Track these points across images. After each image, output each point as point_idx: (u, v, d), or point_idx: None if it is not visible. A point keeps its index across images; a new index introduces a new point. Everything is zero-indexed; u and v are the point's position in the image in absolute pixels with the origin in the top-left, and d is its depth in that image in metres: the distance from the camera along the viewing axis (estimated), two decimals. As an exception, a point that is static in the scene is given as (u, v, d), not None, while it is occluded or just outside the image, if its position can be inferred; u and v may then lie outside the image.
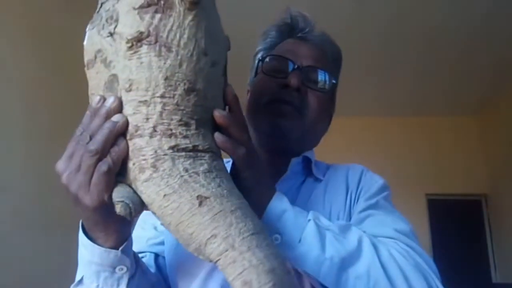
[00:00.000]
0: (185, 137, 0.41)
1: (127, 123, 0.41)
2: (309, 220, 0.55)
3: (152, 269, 0.64)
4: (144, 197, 0.41)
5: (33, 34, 1.82)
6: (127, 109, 0.41)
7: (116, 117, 0.41)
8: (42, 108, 1.85)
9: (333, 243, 0.54)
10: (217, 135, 0.45)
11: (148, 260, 0.65)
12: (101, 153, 0.41)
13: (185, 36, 0.41)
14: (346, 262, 0.52)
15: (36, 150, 1.78)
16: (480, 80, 3.68)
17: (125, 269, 0.50)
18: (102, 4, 0.44)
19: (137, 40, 0.40)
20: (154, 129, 0.40)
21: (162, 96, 0.40)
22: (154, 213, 0.42)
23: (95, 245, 0.48)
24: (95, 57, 0.43)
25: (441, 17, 2.88)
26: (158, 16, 0.40)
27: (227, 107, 0.49)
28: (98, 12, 0.44)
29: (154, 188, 0.40)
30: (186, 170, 0.41)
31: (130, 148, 0.41)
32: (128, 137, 0.41)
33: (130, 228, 0.51)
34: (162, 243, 0.67)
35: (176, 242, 0.63)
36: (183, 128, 0.41)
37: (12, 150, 1.63)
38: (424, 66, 3.50)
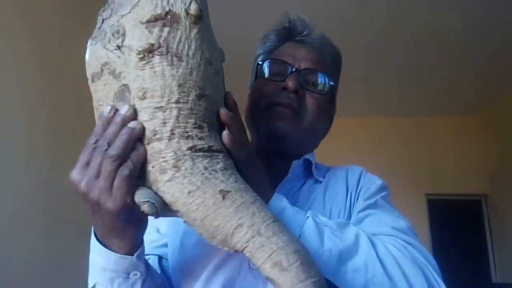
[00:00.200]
0: (200, 138, 0.45)
1: (143, 129, 0.44)
2: (308, 217, 0.57)
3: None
4: (167, 197, 0.44)
5: (34, 34, 1.82)
6: (143, 116, 0.44)
7: (132, 124, 0.43)
8: (42, 108, 1.85)
9: (331, 238, 0.55)
10: (224, 134, 0.48)
11: (152, 262, 0.66)
12: (122, 158, 0.43)
13: (193, 47, 0.45)
14: (344, 255, 0.54)
15: (36, 150, 1.78)
16: (480, 80, 3.69)
17: (139, 274, 0.52)
18: (103, 20, 0.47)
19: (149, 51, 0.43)
20: (172, 132, 0.43)
21: (177, 102, 0.44)
22: (177, 211, 0.44)
23: (110, 252, 0.49)
24: (102, 69, 0.45)
25: (440, 17, 2.88)
26: (166, 29, 0.44)
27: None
28: (99, 28, 0.47)
29: (177, 187, 0.43)
30: (206, 168, 0.44)
31: (149, 152, 0.44)
32: (145, 142, 0.44)
33: (143, 234, 0.52)
34: (165, 245, 0.67)
35: (179, 244, 0.64)
36: (198, 130, 0.45)
37: (12, 150, 1.63)
38: (425, 66, 3.51)
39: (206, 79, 0.46)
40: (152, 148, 0.44)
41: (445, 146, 4.27)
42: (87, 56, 0.47)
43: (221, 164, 0.45)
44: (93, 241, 0.51)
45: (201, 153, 0.44)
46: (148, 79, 0.43)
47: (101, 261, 0.50)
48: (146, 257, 0.65)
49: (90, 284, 0.53)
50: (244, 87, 0.82)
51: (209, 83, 0.46)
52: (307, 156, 0.74)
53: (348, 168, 0.75)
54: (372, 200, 0.67)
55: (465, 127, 4.37)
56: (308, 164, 0.75)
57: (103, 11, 0.47)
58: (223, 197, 0.43)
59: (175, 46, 0.44)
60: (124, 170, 0.42)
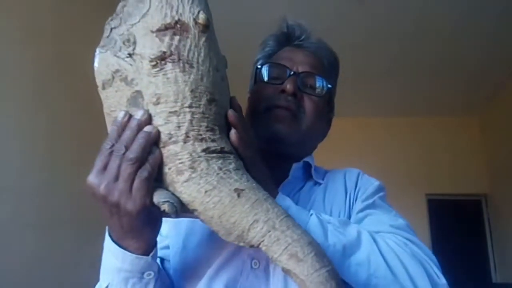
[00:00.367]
0: (213, 140, 0.47)
1: (159, 133, 0.46)
2: (311, 214, 0.59)
3: None
4: (184, 197, 0.46)
5: (34, 34, 1.82)
6: (157, 120, 0.46)
7: (148, 128, 0.45)
8: (42, 108, 1.85)
9: (335, 233, 0.57)
10: (232, 133, 0.50)
11: None
12: (140, 161, 0.45)
13: (202, 54, 0.47)
14: (348, 250, 0.56)
15: (36, 150, 1.78)
16: (480, 80, 3.69)
17: (152, 274, 0.53)
18: (112, 29, 0.48)
19: (161, 59, 0.45)
20: (187, 135, 0.46)
21: (190, 106, 0.46)
22: (194, 210, 0.46)
23: (127, 252, 0.51)
24: (113, 77, 0.47)
25: (438, 15, 2.89)
26: (177, 37, 0.46)
27: None
28: (108, 36, 0.48)
29: (194, 187, 0.45)
30: (220, 169, 0.46)
31: (164, 155, 0.46)
32: (161, 145, 0.46)
33: (157, 235, 0.54)
34: (167, 247, 0.68)
35: (181, 246, 0.65)
36: (210, 133, 0.47)
37: (11, 150, 1.63)
38: (425, 66, 3.51)
39: (215, 85, 0.48)
40: (168, 151, 0.46)
41: (445, 146, 4.26)
42: (96, 64, 0.49)
43: (233, 165, 0.48)
44: (109, 242, 0.52)
45: (214, 155, 0.47)
46: (162, 85, 0.45)
47: (117, 262, 0.51)
48: None
49: (103, 285, 0.53)
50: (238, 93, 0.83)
51: (217, 88, 0.49)
52: (306, 159, 0.76)
53: (345, 170, 0.77)
54: (370, 201, 0.69)
55: (465, 127, 4.37)
56: (307, 166, 0.76)
57: (111, 20, 0.49)
58: (238, 195, 0.45)
59: (185, 54, 0.46)
60: (143, 172, 0.44)
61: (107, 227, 0.53)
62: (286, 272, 0.45)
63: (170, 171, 0.46)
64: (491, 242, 4.11)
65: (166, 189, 0.47)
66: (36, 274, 1.69)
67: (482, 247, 4.10)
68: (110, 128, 0.48)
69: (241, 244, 0.46)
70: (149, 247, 0.52)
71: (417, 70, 3.57)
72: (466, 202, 4.26)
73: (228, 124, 0.51)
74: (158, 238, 0.69)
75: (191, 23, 0.46)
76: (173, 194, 0.46)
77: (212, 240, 0.64)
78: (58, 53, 2.00)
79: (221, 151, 0.48)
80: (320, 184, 0.75)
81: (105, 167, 0.46)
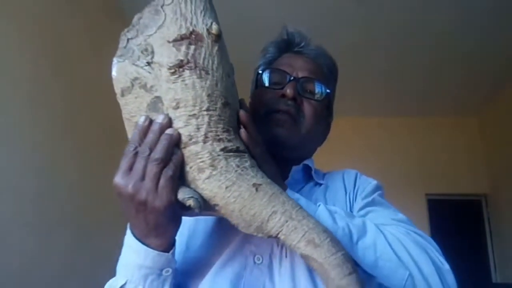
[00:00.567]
0: (229, 140, 0.51)
1: (179, 135, 0.50)
2: (319, 205, 0.62)
3: None
4: (206, 193, 0.50)
5: (34, 35, 1.82)
6: (177, 123, 0.50)
7: (169, 131, 0.49)
8: (42, 108, 1.85)
9: (342, 221, 0.61)
10: (242, 132, 0.54)
11: None
12: (165, 161, 0.48)
13: (215, 62, 0.51)
14: (355, 236, 0.59)
15: (36, 150, 1.78)
16: (480, 80, 3.69)
17: (170, 270, 0.56)
18: (129, 40, 0.52)
19: (179, 66, 0.50)
20: (206, 136, 0.50)
21: (207, 110, 0.50)
22: (216, 205, 0.50)
23: (149, 249, 0.53)
24: (132, 84, 0.51)
25: (439, 17, 2.88)
26: (192, 47, 0.50)
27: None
28: (125, 47, 0.52)
29: (216, 183, 0.49)
30: (238, 166, 0.50)
31: (186, 155, 0.50)
32: (182, 146, 0.50)
33: (176, 233, 0.56)
34: None
35: (185, 247, 0.67)
36: (226, 134, 0.51)
37: (12, 150, 1.63)
38: (425, 67, 3.51)
39: (228, 89, 0.53)
40: (189, 151, 0.50)
41: (446, 146, 4.26)
42: (114, 73, 0.53)
43: (249, 162, 0.52)
44: (131, 239, 0.54)
45: (232, 153, 0.51)
46: (180, 90, 0.49)
47: (138, 259, 0.54)
48: None
49: (120, 282, 0.55)
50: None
51: (230, 93, 0.53)
52: (306, 162, 0.78)
53: (343, 171, 0.80)
54: (370, 199, 0.72)
55: (465, 127, 4.37)
56: (307, 169, 0.79)
57: (127, 31, 0.53)
58: (256, 190, 0.49)
59: (201, 61, 0.50)
60: (168, 171, 0.48)
61: (128, 226, 0.55)
62: (304, 257, 0.49)
63: (191, 170, 0.50)
64: (491, 242, 4.10)
65: (188, 187, 0.50)
66: (36, 274, 1.69)
67: (482, 247, 4.10)
68: (132, 132, 0.51)
69: (260, 235, 0.50)
70: (169, 245, 0.55)
71: (417, 70, 3.57)
72: (466, 202, 4.26)
73: (239, 127, 0.55)
74: None
75: (205, 34, 0.51)
76: (195, 191, 0.50)
77: (214, 241, 0.66)
78: (58, 53, 2.00)
79: (237, 150, 0.52)
80: (320, 184, 0.77)
81: (130, 168, 0.49)
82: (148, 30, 0.51)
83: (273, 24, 0.86)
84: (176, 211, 0.51)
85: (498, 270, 4.00)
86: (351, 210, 0.72)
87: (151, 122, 0.50)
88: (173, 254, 0.56)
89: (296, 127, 0.74)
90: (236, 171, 0.50)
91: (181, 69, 0.49)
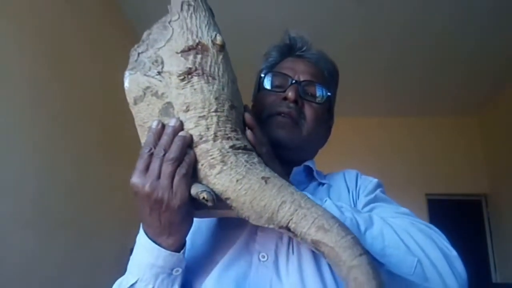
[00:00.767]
0: (237, 139, 0.55)
1: (191, 136, 0.53)
2: (326, 200, 0.64)
3: None
4: (218, 187, 0.53)
5: (33, 35, 1.82)
6: (188, 125, 0.54)
7: (182, 133, 0.53)
8: (42, 108, 1.85)
9: (349, 214, 0.62)
10: (248, 133, 0.58)
11: None
12: (179, 161, 0.52)
13: (221, 69, 0.56)
14: (362, 227, 0.61)
15: (36, 150, 1.78)
16: (480, 80, 3.69)
17: (180, 270, 0.58)
18: (139, 54, 0.57)
19: (188, 73, 0.54)
20: (215, 135, 0.53)
21: (216, 111, 0.54)
22: (227, 198, 0.53)
23: (161, 249, 0.55)
24: (144, 93, 0.56)
25: (439, 16, 2.88)
26: (199, 56, 0.55)
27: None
28: (136, 60, 0.57)
29: (227, 178, 0.52)
30: (247, 162, 0.54)
31: (197, 153, 0.53)
32: (193, 146, 0.54)
33: (188, 233, 0.58)
34: None
35: (189, 245, 0.66)
36: (234, 133, 0.55)
37: (12, 150, 1.63)
38: (425, 67, 3.51)
39: (233, 94, 0.57)
40: (200, 149, 0.53)
41: (446, 146, 4.27)
42: (127, 84, 0.57)
43: (256, 159, 0.55)
44: (143, 239, 0.56)
45: (240, 150, 0.54)
46: (190, 95, 0.54)
47: (150, 258, 0.55)
48: None
49: (132, 280, 0.57)
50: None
51: (235, 97, 0.58)
52: (307, 163, 0.79)
53: (344, 171, 0.82)
54: (372, 195, 0.73)
55: (465, 127, 4.37)
56: (308, 170, 0.80)
57: (138, 47, 0.58)
58: (266, 182, 0.52)
59: (208, 69, 0.55)
60: (182, 170, 0.51)
61: (141, 225, 0.58)
62: (314, 243, 0.50)
63: (203, 167, 0.53)
64: (491, 242, 4.11)
65: (200, 183, 0.53)
66: (36, 274, 1.69)
67: (482, 247, 4.10)
68: (147, 135, 0.55)
69: (271, 226, 0.52)
70: (180, 244, 0.57)
71: (417, 70, 3.57)
72: (466, 202, 4.26)
73: (245, 128, 0.59)
74: None
75: (210, 44, 0.55)
76: (207, 186, 0.53)
77: (218, 239, 0.67)
78: (58, 53, 2.00)
79: (245, 148, 0.55)
80: (323, 184, 0.78)
81: (146, 169, 0.52)
82: (158, 44, 0.56)
83: (274, 24, 0.87)
84: (189, 210, 0.53)
85: (498, 270, 4.00)
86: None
87: (163, 126, 0.54)
88: (184, 254, 0.57)
89: (298, 129, 0.75)
90: (245, 166, 0.53)
91: (189, 76, 0.54)
